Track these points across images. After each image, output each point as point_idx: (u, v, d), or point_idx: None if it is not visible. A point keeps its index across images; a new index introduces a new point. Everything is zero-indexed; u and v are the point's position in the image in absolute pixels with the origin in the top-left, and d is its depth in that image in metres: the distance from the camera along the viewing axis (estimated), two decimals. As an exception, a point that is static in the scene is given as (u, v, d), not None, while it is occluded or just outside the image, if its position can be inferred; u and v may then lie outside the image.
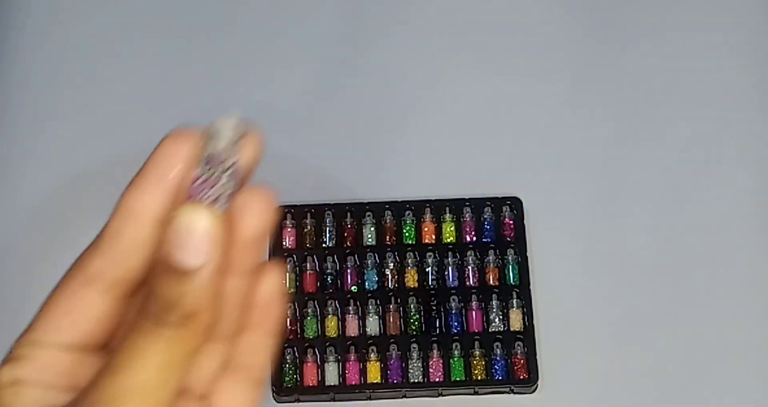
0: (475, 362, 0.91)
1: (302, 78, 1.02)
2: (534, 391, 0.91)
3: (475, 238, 0.95)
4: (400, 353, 0.91)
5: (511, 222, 0.95)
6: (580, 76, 1.02)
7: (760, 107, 1.01)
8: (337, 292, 0.94)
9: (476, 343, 0.92)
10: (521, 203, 0.96)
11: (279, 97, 1.02)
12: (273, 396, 0.91)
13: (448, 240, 0.95)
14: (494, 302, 0.93)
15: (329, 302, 0.93)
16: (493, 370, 0.91)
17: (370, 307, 0.93)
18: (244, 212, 0.39)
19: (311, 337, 0.92)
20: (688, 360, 0.92)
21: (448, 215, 0.96)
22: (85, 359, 0.41)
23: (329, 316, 0.93)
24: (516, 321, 0.93)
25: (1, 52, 1.03)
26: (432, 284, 0.94)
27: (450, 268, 0.94)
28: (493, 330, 0.92)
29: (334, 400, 0.91)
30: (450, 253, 0.94)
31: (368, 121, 1.01)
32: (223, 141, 0.39)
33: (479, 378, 0.91)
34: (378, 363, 0.91)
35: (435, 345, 0.92)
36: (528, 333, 0.92)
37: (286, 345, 0.92)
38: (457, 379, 0.91)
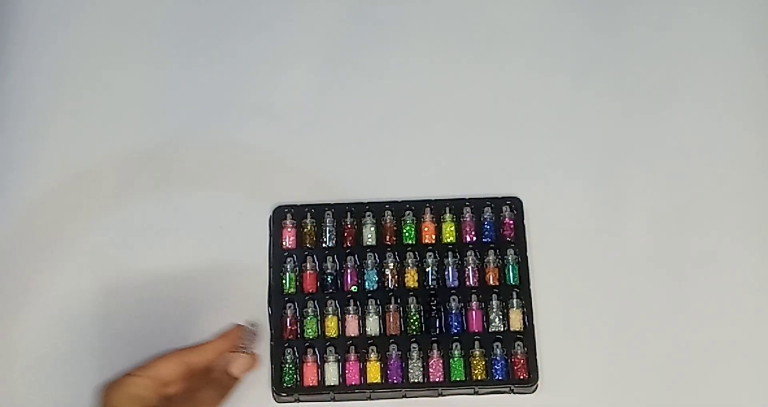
0: (475, 362, 0.91)
1: (302, 78, 1.02)
2: (534, 391, 0.91)
3: (475, 238, 0.95)
4: (400, 353, 0.91)
5: (511, 222, 0.96)
6: (580, 78, 1.02)
7: (761, 107, 1.01)
8: (337, 292, 0.94)
9: (476, 343, 0.92)
10: (521, 203, 0.96)
11: (279, 97, 1.02)
12: (273, 396, 0.91)
13: (448, 240, 0.95)
14: (494, 302, 0.93)
15: (329, 302, 0.93)
16: (493, 370, 0.91)
17: (370, 307, 0.93)
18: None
19: (311, 337, 0.92)
20: (688, 360, 0.92)
21: (448, 215, 0.96)
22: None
23: (329, 316, 0.93)
24: (516, 321, 0.93)
25: (2, 53, 1.03)
26: (432, 285, 0.94)
27: (450, 268, 0.94)
28: (493, 330, 0.92)
29: (334, 400, 0.91)
30: (450, 253, 0.94)
31: (368, 121, 1.01)
32: (252, 329, 0.88)
33: (479, 378, 0.91)
34: (378, 363, 0.91)
35: (435, 345, 0.92)
36: (528, 333, 0.92)
37: (286, 345, 0.92)
38: (457, 379, 0.91)
